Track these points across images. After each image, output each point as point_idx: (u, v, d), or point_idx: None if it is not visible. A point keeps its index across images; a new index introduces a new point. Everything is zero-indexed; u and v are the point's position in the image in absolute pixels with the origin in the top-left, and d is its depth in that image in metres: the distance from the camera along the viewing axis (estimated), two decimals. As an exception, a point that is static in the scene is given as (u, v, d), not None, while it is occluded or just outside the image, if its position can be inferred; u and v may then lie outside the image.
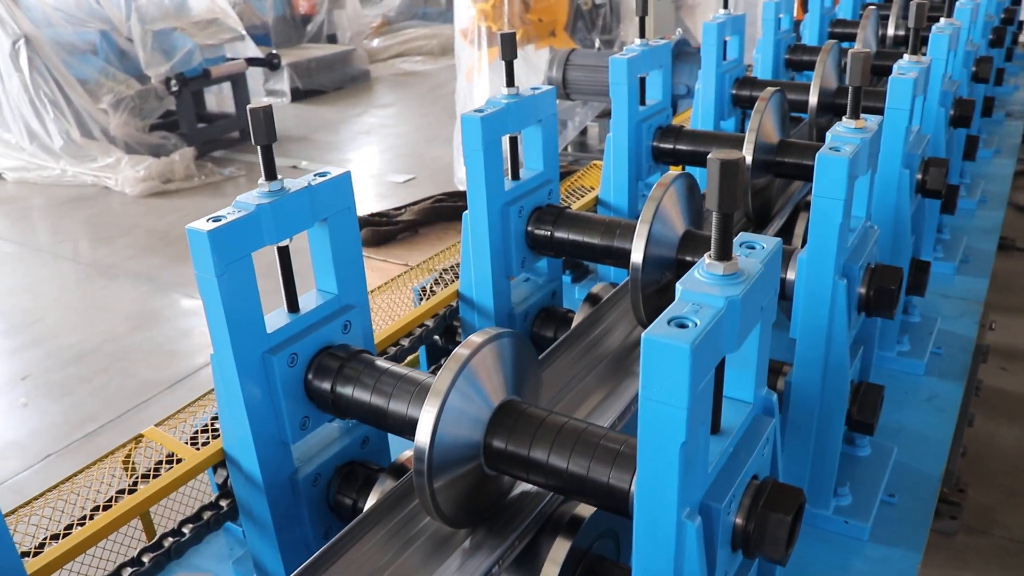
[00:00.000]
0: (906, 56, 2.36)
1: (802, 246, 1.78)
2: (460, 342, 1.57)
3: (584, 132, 8.28)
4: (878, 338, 2.48)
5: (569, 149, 8.23)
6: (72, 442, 5.20)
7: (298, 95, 13.36)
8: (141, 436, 1.92)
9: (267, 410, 1.66)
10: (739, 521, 1.21)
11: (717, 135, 2.93)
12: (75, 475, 1.83)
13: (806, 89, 3.07)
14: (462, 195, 2.06)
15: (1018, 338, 5.55)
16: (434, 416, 1.36)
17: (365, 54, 14.89)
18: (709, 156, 1.04)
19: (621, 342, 2.08)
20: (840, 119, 1.80)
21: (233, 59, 10.99)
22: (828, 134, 1.75)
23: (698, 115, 3.39)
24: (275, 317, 1.67)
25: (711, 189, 1.05)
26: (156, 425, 1.94)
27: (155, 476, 1.76)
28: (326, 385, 1.67)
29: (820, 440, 1.87)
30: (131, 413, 5.37)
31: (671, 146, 2.82)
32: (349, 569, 1.47)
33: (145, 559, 1.67)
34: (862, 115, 1.81)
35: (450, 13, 8.45)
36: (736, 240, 1.23)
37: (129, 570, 1.68)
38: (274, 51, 12.52)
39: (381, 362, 1.68)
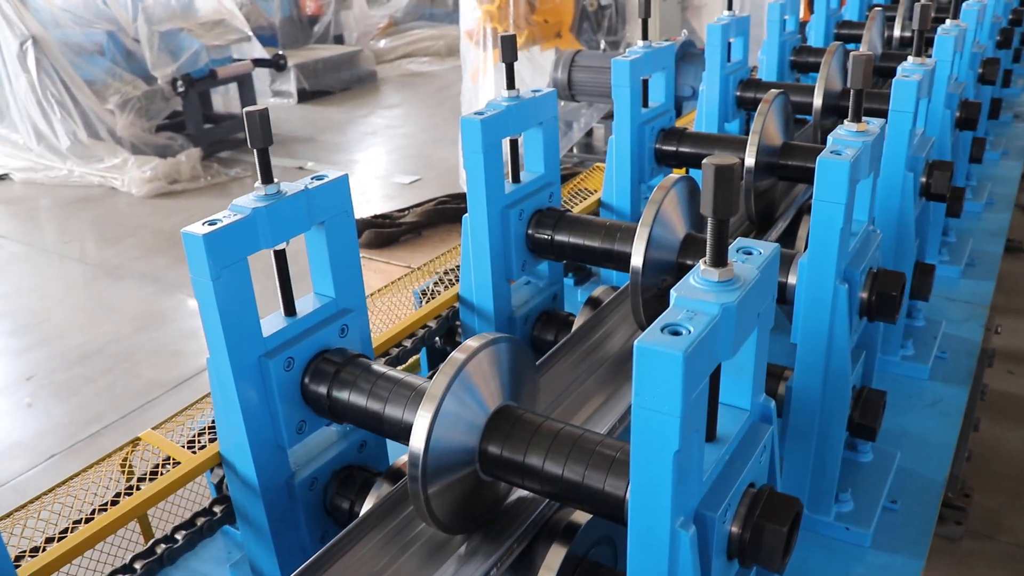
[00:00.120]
0: (910, 58, 2.35)
1: (805, 250, 1.76)
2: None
3: (590, 134, 8.27)
4: (881, 342, 2.46)
5: (574, 151, 8.22)
6: (76, 442, 5.21)
7: (305, 96, 13.36)
8: (138, 439, 1.92)
9: (263, 414, 1.65)
10: (735, 530, 1.20)
11: (720, 137, 2.91)
12: (71, 478, 1.83)
13: (811, 91, 3.05)
14: (465, 197, 2.05)
15: (1025, 341, 5.53)
16: (429, 421, 1.35)
17: (372, 55, 14.90)
18: (704, 161, 1.03)
19: (621, 346, 2.07)
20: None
21: (239, 60, 11.01)
22: (829, 137, 1.74)
23: (702, 117, 3.37)
24: (272, 321, 1.66)
25: (706, 194, 1.04)
26: (153, 428, 1.94)
27: (151, 479, 1.75)
28: (322, 389, 1.66)
29: (821, 446, 1.86)
30: (136, 414, 5.38)
31: (674, 148, 2.81)
32: (344, 574, 1.46)
33: (137, 565, 1.66)
34: (864, 118, 1.79)
35: (457, 14, 8.44)
36: (733, 245, 1.22)
37: (120, 577, 1.68)
38: (280, 52, 12.52)
39: (377, 366, 1.67)
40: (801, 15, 5.40)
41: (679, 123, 3.99)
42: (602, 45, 7.83)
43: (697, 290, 1.08)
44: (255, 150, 1.56)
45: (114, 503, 1.69)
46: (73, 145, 9.68)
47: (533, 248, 2.26)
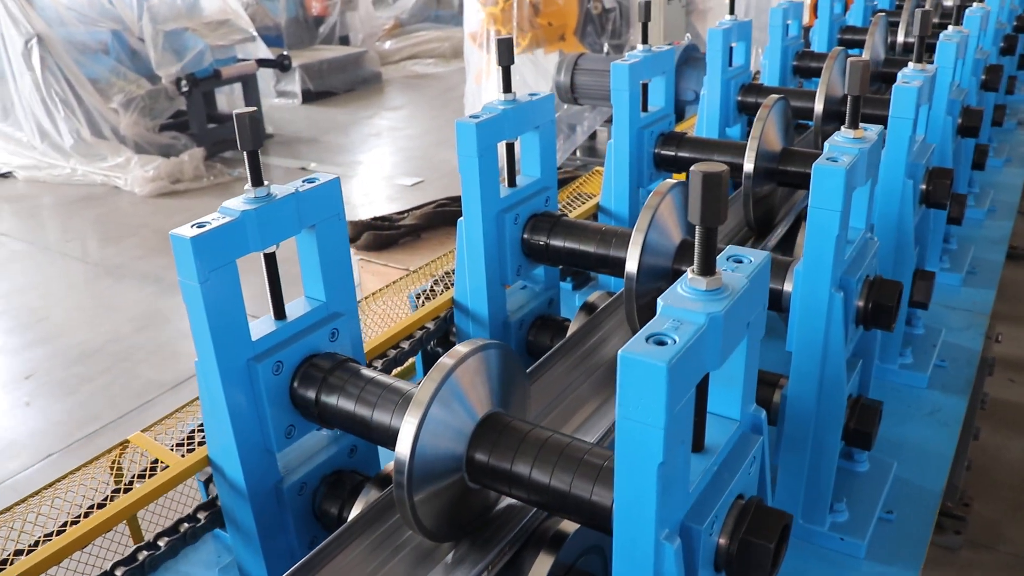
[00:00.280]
0: (911, 64, 2.33)
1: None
2: (452, 350, 1.55)
3: (593, 137, 8.25)
4: (880, 350, 2.45)
5: (578, 154, 8.20)
6: (73, 442, 5.20)
7: (309, 96, 13.36)
8: (127, 442, 1.90)
9: (252, 418, 1.64)
10: (722, 542, 1.18)
11: (719, 143, 2.90)
12: (58, 481, 1.82)
13: (813, 96, 3.03)
14: (465, 200, 2.06)
15: (1027, 349, 5.49)
16: (415, 427, 1.33)
17: (377, 56, 14.89)
18: (692, 168, 1.01)
19: (615, 353, 2.04)
20: (847, 127, 1.77)
21: (244, 60, 11.01)
22: (826, 144, 1.72)
23: (703, 122, 3.36)
24: (261, 324, 1.65)
25: (693, 202, 1.02)
26: (143, 431, 1.92)
27: (139, 482, 1.74)
28: (311, 394, 1.65)
29: (816, 455, 1.84)
30: (133, 414, 5.37)
31: (673, 153, 2.79)
32: (329, 581, 1.45)
33: (119, 573, 1.65)
34: (862, 125, 1.77)
35: (463, 16, 8.44)
36: (724, 254, 1.20)
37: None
38: (285, 52, 12.52)
39: (367, 371, 1.66)
40: (806, 20, 5.38)
41: (681, 127, 3.98)
42: (606, 48, 7.83)
43: (684, 299, 1.06)
44: (245, 152, 1.54)
45: (101, 506, 1.68)
46: (77, 143, 9.69)
47: (528, 253, 2.25)
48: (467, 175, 2.06)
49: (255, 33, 10.95)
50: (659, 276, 1.97)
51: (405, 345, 2.28)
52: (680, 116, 5.79)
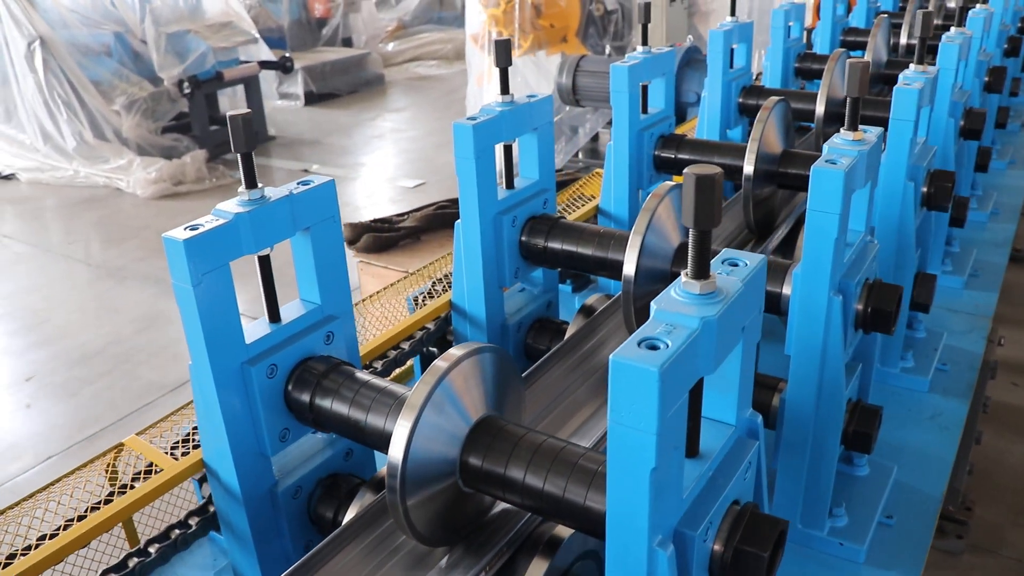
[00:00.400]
0: (912, 66, 2.31)
1: (801, 260, 1.73)
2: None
3: (595, 138, 8.23)
4: (881, 354, 2.43)
5: (580, 156, 8.19)
6: (74, 444, 5.20)
7: (312, 98, 13.37)
8: (122, 445, 1.89)
9: (246, 422, 1.63)
10: (717, 548, 1.17)
11: (720, 144, 2.88)
12: (53, 484, 1.81)
13: (814, 98, 3.02)
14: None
15: (1030, 353, 5.46)
16: (408, 431, 1.32)
17: (380, 58, 14.90)
18: (685, 170, 1.00)
19: (613, 356, 2.03)
20: (849, 129, 1.76)
21: (246, 62, 11.01)
22: (825, 146, 1.71)
23: (704, 124, 3.34)
24: (255, 327, 1.64)
25: (687, 205, 1.01)
26: (138, 434, 1.91)
27: (133, 486, 1.73)
28: (305, 397, 1.64)
29: (815, 459, 1.82)
30: (133, 416, 5.37)
31: (673, 155, 2.78)
32: (322, 586, 1.44)
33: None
34: (861, 127, 1.76)
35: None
36: (719, 257, 1.19)
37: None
38: (287, 54, 12.52)
39: (362, 374, 1.65)
40: (808, 21, 5.37)
41: (683, 129, 3.97)
42: (608, 50, 7.81)
43: (677, 303, 1.05)
44: (239, 155, 1.53)
45: (94, 509, 1.67)
46: (79, 146, 9.70)
47: (526, 255, 2.23)
48: (464, 177, 2.05)
49: (257, 35, 10.96)
50: (657, 279, 1.96)
51: (403, 348, 2.26)
52: (682, 118, 5.77)
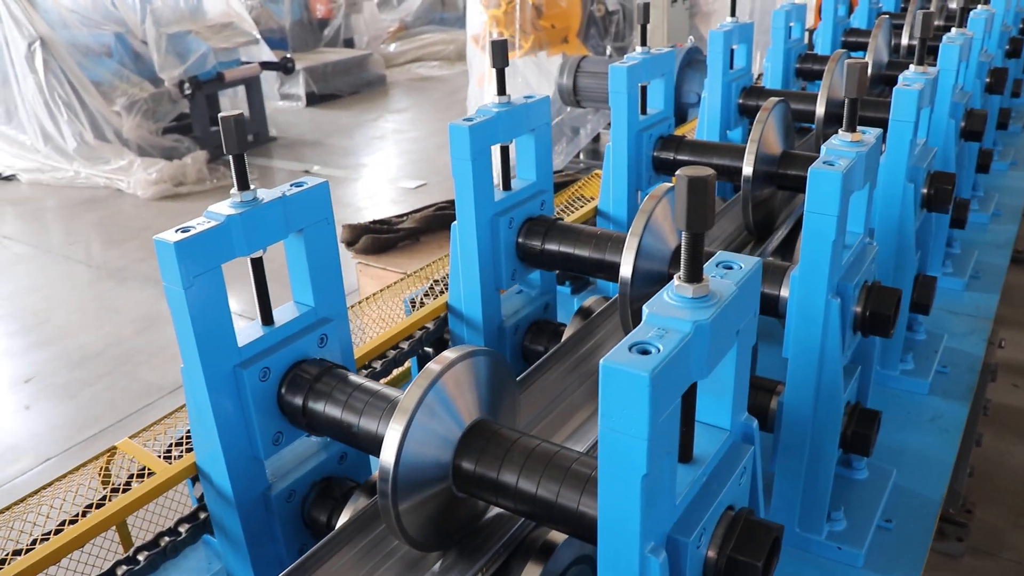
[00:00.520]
0: (912, 67, 2.30)
1: (799, 262, 1.71)
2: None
3: (596, 139, 8.22)
4: (880, 356, 2.41)
5: (581, 156, 8.17)
6: (73, 446, 5.19)
7: (314, 99, 13.36)
8: (115, 449, 1.88)
9: (238, 425, 1.62)
10: (711, 555, 1.15)
11: (719, 146, 2.87)
12: (45, 488, 1.79)
13: (815, 99, 3.00)
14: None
15: (1032, 355, 5.44)
16: (400, 434, 1.31)
17: (381, 59, 14.89)
18: (678, 172, 0.99)
19: (610, 358, 2.02)
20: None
21: (247, 63, 11.01)
22: (823, 147, 1.69)
23: (703, 125, 3.33)
24: (248, 330, 1.63)
25: (679, 207, 0.99)
26: (131, 437, 1.90)
27: (126, 490, 1.72)
28: (298, 400, 1.63)
29: (813, 463, 1.81)
30: (133, 417, 5.35)
31: (672, 156, 2.76)
32: (314, 591, 1.43)
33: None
34: (860, 128, 1.75)
35: (467, 18, 8.43)
36: (713, 260, 1.18)
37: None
38: (289, 55, 12.52)
39: (355, 377, 1.64)
40: (810, 22, 5.35)
41: (683, 130, 3.95)
42: (609, 51, 7.80)
43: (670, 306, 1.03)
44: (230, 156, 1.52)
45: (86, 514, 1.66)
46: (80, 147, 9.69)
47: (523, 257, 2.22)
48: (460, 178, 2.04)
49: (258, 36, 10.95)
50: (654, 281, 1.94)
51: (399, 350, 2.25)
52: (683, 119, 5.76)
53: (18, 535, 1.69)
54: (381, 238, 4.59)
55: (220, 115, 1.49)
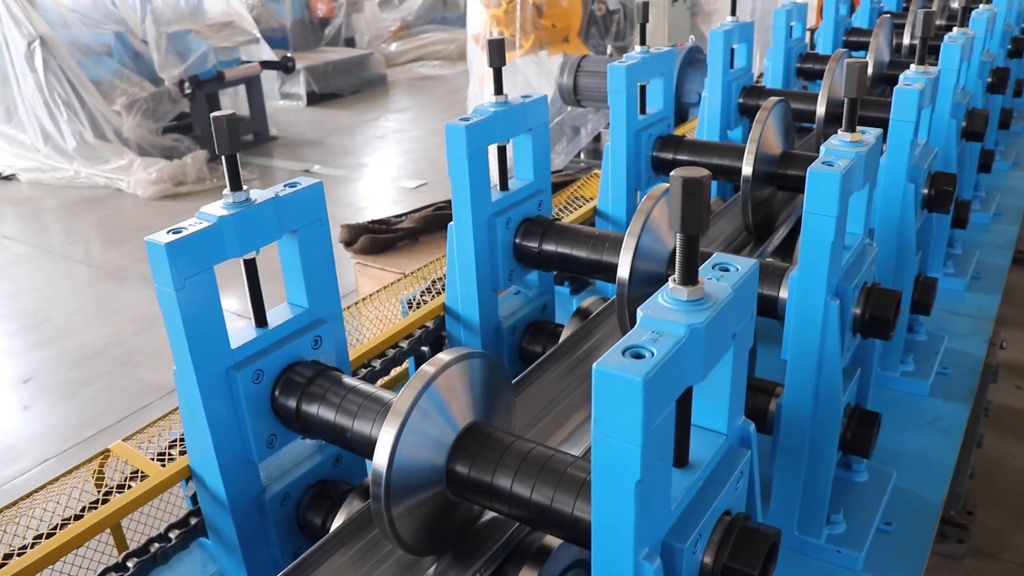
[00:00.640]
0: (913, 66, 2.28)
1: (798, 263, 1.70)
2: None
3: (597, 139, 8.20)
4: (880, 357, 2.40)
5: (582, 156, 8.15)
6: (72, 446, 5.17)
7: (314, 98, 13.35)
8: (108, 451, 1.87)
9: (232, 428, 1.61)
10: (708, 560, 1.14)
11: (718, 145, 2.85)
12: (36, 491, 1.78)
13: (815, 99, 2.99)
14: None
15: (1034, 355, 5.41)
16: (393, 437, 1.29)
17: (382, 58, 14.88)
18: (672, 174, 0.97)
19: (608, 360, 2.00)
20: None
21: (248, 62, 10.99)
22: (822, 147, 1.68)
23: (703, 124, 3.31)
24: (241, 332, 1.61)
25: (674, 209, 0.98)
26: (124, 440, 1.89)
27: (119, 493, 1.70)
28: (292, 403, 1.61)
29: (812, 465, 1.79)
30: (131, 418, 5.34)
31: (671, 156, 2.75)
32: (308, 595, 1.41)
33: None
34: (860, 128, 1.73)
35: (468, 18, 8.41)
36: (709, 262, 1.16)
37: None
38: (289, 54, 12.50)
39: (349, 379, 1.62)
40: (811, 22, 5.33)
41: (684, 130, 3.94)
42: (609, 50, 7.78)
43: (664, 309, 1.02)
44: (223, 156, 1.51)
45: (78, 518, 1.64)
46: (80, 146, 9.68)
47: (520, 258, 2.21)
48: (457, 179, 2.03)
49: (259, 35, 10.94)
50: (652, 282, 1.92)
51: (394, 352, 2.23)
52: (685, 118, 5.74)
53: (11, 539, 1.68)
54: (380, 238, 4.57)
55: (212, 115, 1.47)
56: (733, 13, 3.27)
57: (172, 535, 1.71)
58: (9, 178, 10.04)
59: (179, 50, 9.84)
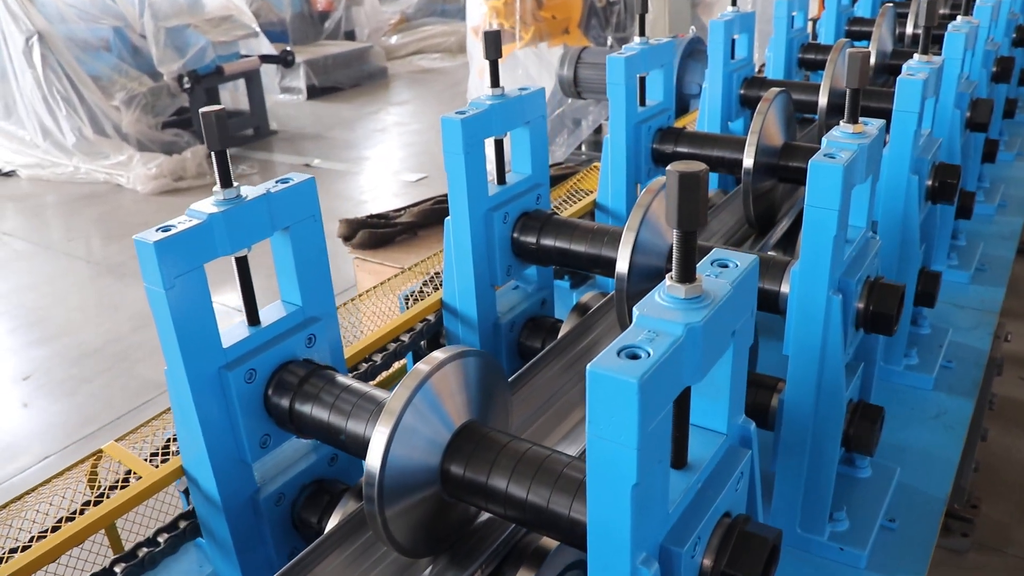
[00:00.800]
0: (916, 56, 2.25)
1: (800, 257, 1.66)
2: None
3: (598, 131, 8.15)
4: (884, 351, 2.37)
5: (583, 148, 8.12)
6: (71, 443, 5.16)
7: (314, 92, 13.31)
8: (101, 452, 1.84)
9: (224, 428, 1.58)
10: (707, 563, 1.11)
11: (719, 137, 2.82)
12: (29, 492, 1.76)
13: (817, 89, 2.95)
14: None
15: (1038, 347, 5.37)
16: (386, 437, 1.27)
17: (382, 51, 14.84)
18: (668, 168, 0.94)
19: (607, 356, 1.97)
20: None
21: (247, 56, 10.95)
22: (824, 139, 1.65)
23: (704, 116, 3.28)
24: (233, 330, 1.59)
25: (670, 205, 0.95)
26: (116, 440, 1.86)
27: (113, 494, 1.68)
28: (285, 402, 1.59)
29: (814, 462, 1.76)
30: (130, 415, 5.32)
31: (671, 148, 2.72)
32: (302, 597, 1.39)
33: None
34: (862, 119, 1.70)
35: (468, 10, 8.37)
36: (708, 258, 1.13)
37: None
38: (289, 48, 12.47)
39: (343, 378, 1.59)
40: (813, 11, 5.29)
41: (684, 121, 3.90)
42: (610, 41, 7.74)
43: (661, 308, 0.99)
44: (213, 153, 1.48)
45: (70, 520, 1.62)
46: (79, 142, 9.65)
47: (518, 252, 2.18)
48: (453, 173, 2.00)
49: (258, 29, 10.90)
50: (652, 276, 1.90)
51: (391, 348, 2.21)
52: (686, 110, 5.70)
53: (3, 541, 1.66)
54: (378, 233, 4.54)
55: (201, 111, 1.44)
56: (734, 3, 3.24)
57: (160, 539, 1.68)
58: (9, 174, 10.02)
59: (178, 45, 9.80)
